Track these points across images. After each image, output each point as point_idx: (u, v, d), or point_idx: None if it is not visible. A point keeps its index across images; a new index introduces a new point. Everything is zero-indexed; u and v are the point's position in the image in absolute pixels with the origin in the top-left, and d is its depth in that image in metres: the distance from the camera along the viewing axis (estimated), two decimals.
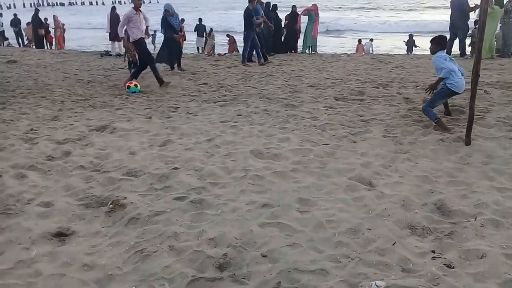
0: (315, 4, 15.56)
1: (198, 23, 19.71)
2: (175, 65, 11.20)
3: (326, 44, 23.61)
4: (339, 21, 39.27)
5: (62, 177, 4.38)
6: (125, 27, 8.64)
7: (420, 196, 3.75)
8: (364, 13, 49.95)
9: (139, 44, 8.77)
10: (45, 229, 3.29)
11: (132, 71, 9.27)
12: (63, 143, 5.38)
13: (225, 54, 16.62)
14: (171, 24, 10.67)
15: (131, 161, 4.77)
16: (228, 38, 18.76)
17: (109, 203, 3.73)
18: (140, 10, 8.69)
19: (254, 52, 12.44)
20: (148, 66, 8.90)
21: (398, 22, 35.72)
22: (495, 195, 3.69)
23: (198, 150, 5.09)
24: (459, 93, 5.46)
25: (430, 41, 5.65)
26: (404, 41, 18.39)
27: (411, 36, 18.54)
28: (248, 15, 11.91)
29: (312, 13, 15.35)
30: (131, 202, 3.71)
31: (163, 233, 3.24)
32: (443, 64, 5.31)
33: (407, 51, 17.87)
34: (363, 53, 17.39)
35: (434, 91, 5.52)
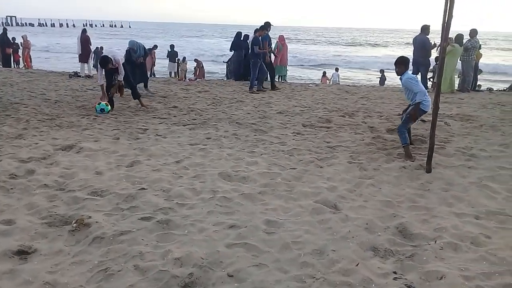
0: (281, 35, 16.04)
1: (169, 49, 19.92)
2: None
3: (300, 75, 24.34)
4: (315, 54, 41.43)
5: (25, 195, 4.27)
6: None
7: (383, 219, 3.86)
8: (340, 48, 52.27)
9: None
10: (6, 247, 3.20)
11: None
12: (27, 162, 5.25)
13: (196, 79, 16.72)
14: (131, 60, 10.50)
15: (97, 181, 4.70)
16: (196, 63, 18.98)
17: (73, 222, 3.66)
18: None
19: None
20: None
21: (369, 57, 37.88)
22: (454, 220, 3.85)
23: (166, 171, 5.08)
24: (426, 112, 5.65)
25: (395, 64, 5.69)
26: (378, 78, 19.83)
27: (382, 71, 19.75)
28: (254, 44, 12.02)
29: (279, 44, 15.77)
30: (96, 222, 3.66)
31: (128, 253, 3.20)
32: (417, 87, 5.51)
33: (380, 84, 18.96)
34: (329, 83, 18.15)
35: (407, 112, 5.70)
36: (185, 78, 16.84)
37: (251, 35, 13.04)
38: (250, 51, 12.56)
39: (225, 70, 18.98)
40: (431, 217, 3.92)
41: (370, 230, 3.63)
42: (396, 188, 4.68)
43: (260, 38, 12.11)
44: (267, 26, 12.46)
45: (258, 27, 12.46)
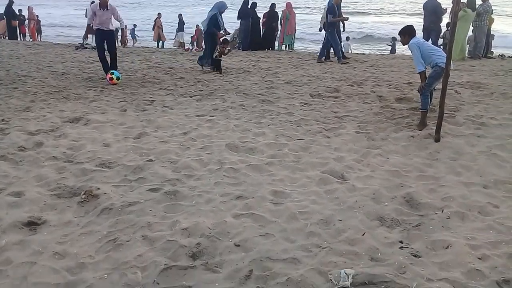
0: (288, 2, 15.70)
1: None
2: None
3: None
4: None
5: (34, 167, 4.31)
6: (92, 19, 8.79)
7: (390, 189, 3.85)
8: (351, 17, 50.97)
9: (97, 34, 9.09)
10: (16, 219, 3.25)
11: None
12: (35, 134, 5.28)
13: (202, 49, 16.56)
14: (218, 23, 10.16)
15: (105, 152, 4.73)
16: (195, 29, 19.00)
17: (81, 193, 3.70)
18: (107, 8, 8.57)
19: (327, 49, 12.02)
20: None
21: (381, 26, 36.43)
22: (462, 190, 3.82)
23: (173, 143, 5.09)
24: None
25: (399, 33, 5.70)
26: (389, 44, 19.33)
27: (394, 39, 19.34)
28: (329, 12, 11.24)
29: (286, 12, 15.48)
30: (104, 193, 3.69)
31: (136, 223, 3.24)
32: (417, 61, 5.44)
33: (390, 52, 18.58)
34: None
35: (430, 75, 5.52)
36: (192, 48, 16.68)
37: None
38: (325, 19, 11.47)
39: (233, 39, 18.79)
40: (438, 187, 3.90)
41: (377, 200, 3.63)
42: (404, 157, 4.65)
43: (336, 6, 11.20)
44: None
45: None
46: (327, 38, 11.67)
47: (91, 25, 9.09)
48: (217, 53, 9.99)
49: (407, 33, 5.62)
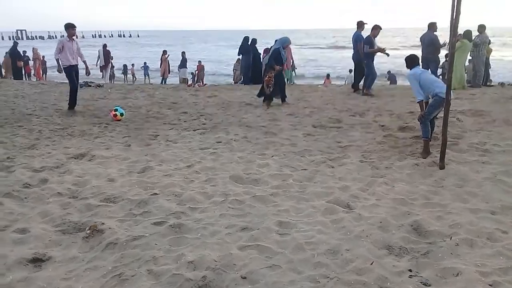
0: None
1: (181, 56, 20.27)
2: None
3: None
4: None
5: (39, 204, 4.31)
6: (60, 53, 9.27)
7: (397, 217, 3.82)
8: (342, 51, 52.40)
9: (66, 72, 9.46)
10: (21, 255, 3.22)
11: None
12: (40, 171, 5.31)
13: (205, 84, 16.81)
14: (281, 57, 10.11)
15: (110, 187, 4.73)
16: (197, 66, 19.40)
17: (86, 229, 3.68)
18: (73, 39, 9.38)
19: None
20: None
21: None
22: (469, 216, 3.79)
23: (177, 176, 5.10)
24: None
25: (405, 60, 5.93)
26: (387, 77, 19.84)
27: (389, 72, 19.91)
28: (366, 43, 11.19)
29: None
30: (109, 228, 3.68)
31: (141, 257, 3.21)
32: (416, 91, 5.57)
33: (390, 83, 18.88)
34: (345, 83, 18.27)
35: (430, 104, 5.61)
36: (194, 84, 16.93)
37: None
38: (363, 50, 11.24)
39: (233, 74, 19.18)
40: (445, 214, 3.87)
41: (384, 229, 3.60)
42: (409, 185, 4.63)
43: (373, 37, 11.15)
44: (362, 24, 11.66)
45: (370, 26, 11.42)
46: (372, 68, 11.52)
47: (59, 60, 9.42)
48: (265, 84, 10.17)
49: (408, 62, 5.85)
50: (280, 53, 10.09)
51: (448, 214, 3.86)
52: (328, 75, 22.01)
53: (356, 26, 11.78)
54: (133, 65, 27.13)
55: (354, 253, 3.19)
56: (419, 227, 3.61)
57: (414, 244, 3.36)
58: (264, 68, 10.83)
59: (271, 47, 15.90)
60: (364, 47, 11.23)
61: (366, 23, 11.77)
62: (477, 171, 4.91)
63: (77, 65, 9.52)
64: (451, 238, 3.39)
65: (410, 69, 5.80)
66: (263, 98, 10.45)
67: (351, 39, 12.09)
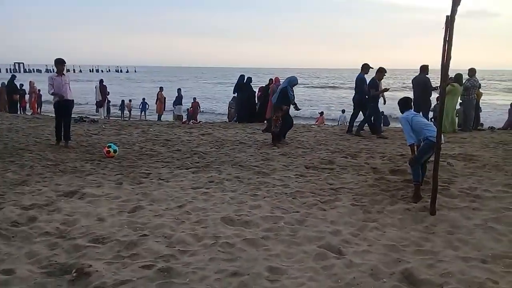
0: (276, 77, 16.26)
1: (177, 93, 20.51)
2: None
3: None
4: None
5: (26, 243, 4.24)
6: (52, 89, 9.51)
7: (388, 265, 3.79)
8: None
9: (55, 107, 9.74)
10: None
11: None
12: (30, 209, 5.24)
13: (199, 122, 16.93)
14: (288, 97, 10.08)
15: (99, 227, 4.68)
16: (192, 104, 19.61)
17: (73, 271, 3.61)
18: (63, 74, 9.63)
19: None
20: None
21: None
22: (460, 265, 3.77)
23: (168, 216, 5.06)
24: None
25: (398, 103, 6.09)
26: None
27: (381, 113, 20.05)
28: (371, 86, 11.34)
29: (274, 86, 15.99)
30: (96, 270, 3.61)
31: None
32: (408, 134, 5.71)
33: (383, 124, 18.91)
34: (338, 124, 18.30)
35: (420, 149, 5.68)
36: (189, 121, 17.07)
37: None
38: (367, 93, 11.40)
39: (227, 111, 19.38)
40: (437, 262, 3.85)
41: (375, 276, 3.56)
42: (400, 231, 4.62)
43: (377, 80, 11.40)
44: (367, 67, 11.76)
45: (375, 68, 11.66)
46: (378, 111, 11.70)
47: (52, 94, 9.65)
48: (273, 125, 10.25)
49: (401, 105, 6.02)
50: (288, 92, 10.05)
51: (439, 262, 3.84)
52: (321, 113, 22.29)
53: (360, 69, 11.85)
54: (130, 100, 27.30)
55: None
56: (410, 276, 3.58)
57: None
58: (272, 108, 10.68)
59: (266, 85, 16.24)
60: (371, 91, 11.33)
61: (372, 68, 11.82)
62: (468, 218, 4.92)
63: (67, 100, 9.65)
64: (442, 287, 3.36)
65: (402, 112, 5.92)
66: (271, 137, 10.41)
67: (354, 81, 12.07)
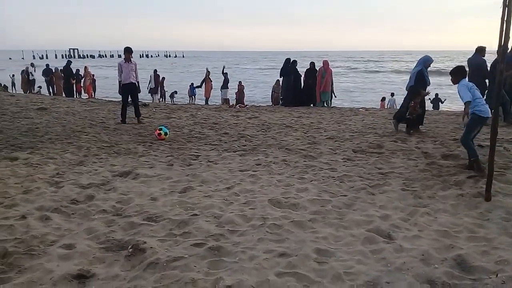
0: (325, 60, 16.06)
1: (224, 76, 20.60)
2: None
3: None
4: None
5: (85, 220, 4.49)
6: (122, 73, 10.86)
7: (440, 251, 3.71)
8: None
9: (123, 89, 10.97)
10: (66, 271, 3.35)
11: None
12: (87, 188, 5.53)
13: (246, 105, 17.02)
14: (425, 79, 9.14)
15: (152, 206, 4.86)
16: (238, 87, 19.64)
17: (129, 247, 3.79)
18: (130, 61, 10.81)
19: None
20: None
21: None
22: None
23: (217, 197, 5.17)
24: (487, 118, 5.64)
25: (450, 73, 5.97)
26: (430, 99, 18.73)
27: (436, 94, 19.25)
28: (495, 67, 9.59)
29: (322, 69, 15.77)
30: (151, 247, 3.77)
31: (180, 279, 3.26)
32: (465, 95, 5.65)
33: (433, 108, 18.25)
34: (383, 109, 17.73)
35: (467, 123, 5.73)
36: (236, 105, 17.20)
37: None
38: (489, 77, 10.05)
39: (271, 96, 19.34)
40: (491, 249, 3.72)
41: (426, 262, 3.50)
42: (453, 217, 4.49)
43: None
44: (483, 50, 10.65)
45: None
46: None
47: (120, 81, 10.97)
48: (409, 111, 9.10)
49: (457, 73, 5.92)
50: (423, 74, 9.05)
51: (494, 249, 3.71)
52: (383, 98, 21.37)
53: (475, 51, 10.77)
54: (176, 92, 26.90)
55: (395, 286, 3.13)
56: (463, 262, 3.49)
57: (457, 280, 3.24)
58: (408, 92, 9.41)
59: (308, 69, 16.05)
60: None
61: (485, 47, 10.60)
62: None
63: (132, 83, 10.85)
64: (497, 275, 3.25)
65: (457, 81, 5.81)
66: (405, 125, 9.34)
67: (471, 64, 10.66)
